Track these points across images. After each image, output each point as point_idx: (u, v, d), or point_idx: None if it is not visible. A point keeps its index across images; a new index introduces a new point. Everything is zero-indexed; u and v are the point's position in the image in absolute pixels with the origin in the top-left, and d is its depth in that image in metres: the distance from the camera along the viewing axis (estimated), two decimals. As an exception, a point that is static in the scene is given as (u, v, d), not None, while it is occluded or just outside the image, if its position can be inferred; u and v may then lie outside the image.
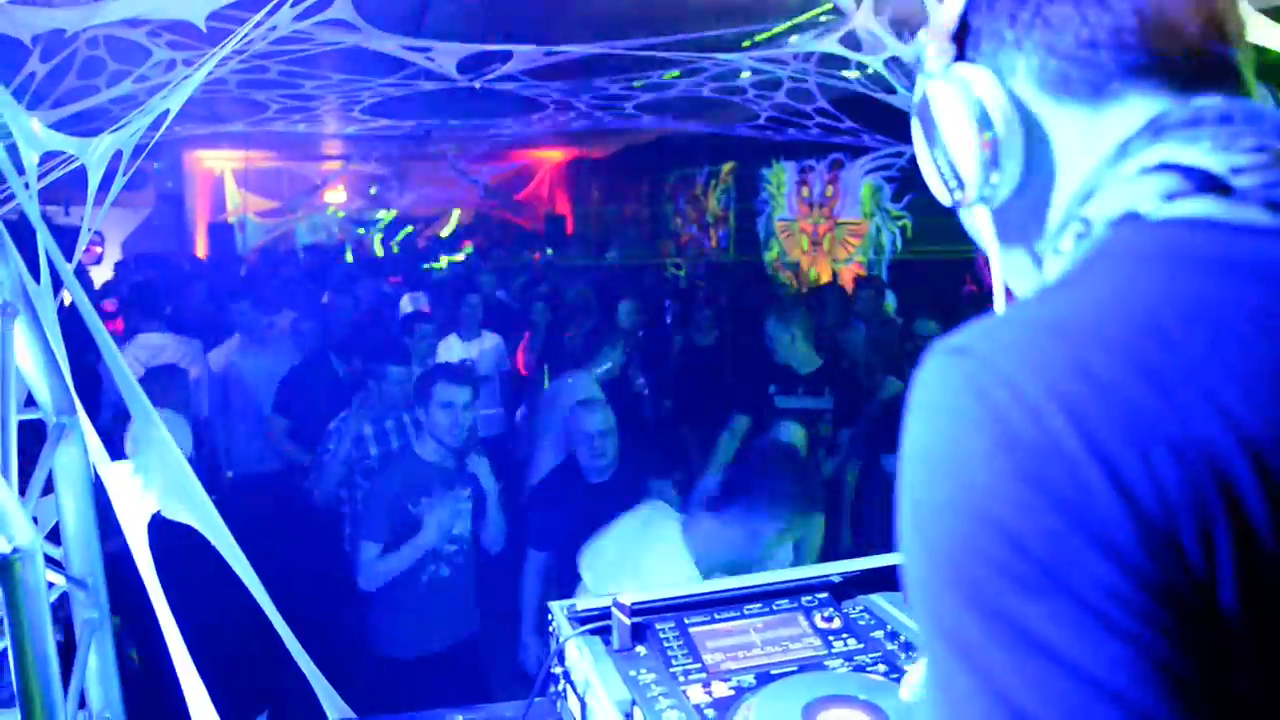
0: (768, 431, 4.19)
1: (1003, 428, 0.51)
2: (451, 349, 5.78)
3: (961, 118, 0.73)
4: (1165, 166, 0.63)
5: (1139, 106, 0.68)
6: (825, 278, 8.81)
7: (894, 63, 4.03)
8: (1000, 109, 0.72)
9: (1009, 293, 0.81)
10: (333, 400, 4.52)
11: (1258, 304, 0.54)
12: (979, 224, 0.78)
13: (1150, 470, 0.48)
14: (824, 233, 9.02)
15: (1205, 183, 0.61)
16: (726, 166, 11.08)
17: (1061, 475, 0.49)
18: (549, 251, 13.26)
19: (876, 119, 6.36)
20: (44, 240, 1.30)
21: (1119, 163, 0.66)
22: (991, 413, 0.52)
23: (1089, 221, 0.66)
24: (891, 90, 4.29)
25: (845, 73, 4.84)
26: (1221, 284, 0.55)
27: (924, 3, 3.06)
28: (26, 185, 1.43)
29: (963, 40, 0.77)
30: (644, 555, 2.57)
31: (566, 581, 3.31)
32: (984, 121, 0.72)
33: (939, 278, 7.04)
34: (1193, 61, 0.69)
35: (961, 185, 0.76)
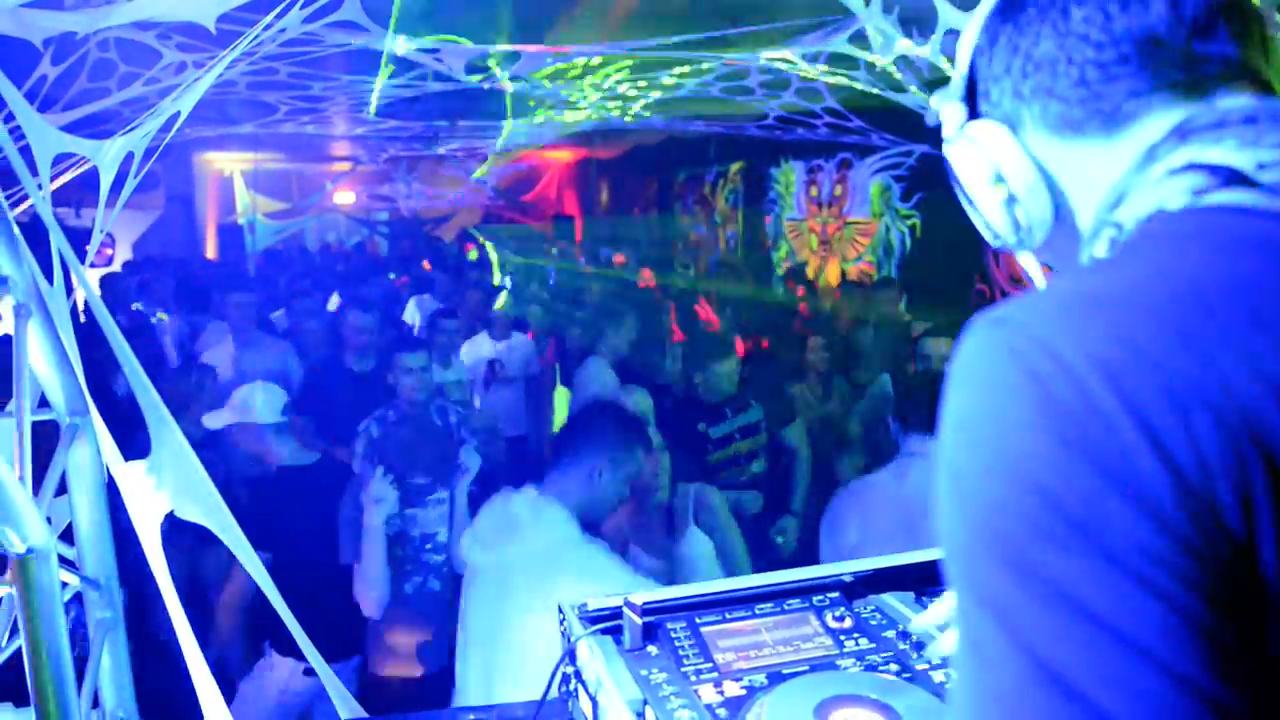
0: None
1: (1043, 393, 0.53)
2: (480, 347, 5.81)
3: (980, 176, 0.77)
4: (1192, 166, 0.64)
5: (1156, 121, 0.70)
6: (834, 277, 8.80)
7: (903, 62, 4.03)
8: (1014, 162, 0.75)
9: None
10: (354, 399, 4.52)
11: None
12: (1024, 265, 0.83)
13: (1189, 433, 0.49)
14: (833, 232, 9.01)
15: (1231, 178, 0.62)
16: (735, 166, 11.07)
17: (1101, 438, 0.50)
18: (554, 252, 13.27)
19: (885, 118, 6.35)
20: (57, 241, 1.31)
21: (1146, 167, 0.68)
22: (1032, 379, 0.53)
23: (1120, 225, 0.68)
24: (901, 89, 4.27)
25: (855, 83, 4.83)
26: (1256, 259, 0.56)
27: (934, 1, 3.06)
28: (40, 187, 1.44)
29: (974, 98, 0.80)
30: (514, 519, 2.48)
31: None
32: (999, 178, 0.75)
33: (949, 277, 7.02)
34: (1193, 70, 0.70)
35: (998, 236, 0.80)
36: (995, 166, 0.75)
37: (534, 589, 2.29)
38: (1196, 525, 0.48)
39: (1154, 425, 0.49)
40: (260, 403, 3.58)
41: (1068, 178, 0.75)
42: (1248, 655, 0.48)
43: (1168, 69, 0.69)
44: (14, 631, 1.35)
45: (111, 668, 1.58)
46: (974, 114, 0.80)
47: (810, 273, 9.13)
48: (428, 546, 3.43)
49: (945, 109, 0.81)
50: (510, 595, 2.39)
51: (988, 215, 0.79)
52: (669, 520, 3.27)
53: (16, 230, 1.18)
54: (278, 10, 2.77)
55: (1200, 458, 0.48)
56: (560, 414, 5.39)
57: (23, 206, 1.51)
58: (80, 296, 1.43)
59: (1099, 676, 0.47)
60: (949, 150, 0.81)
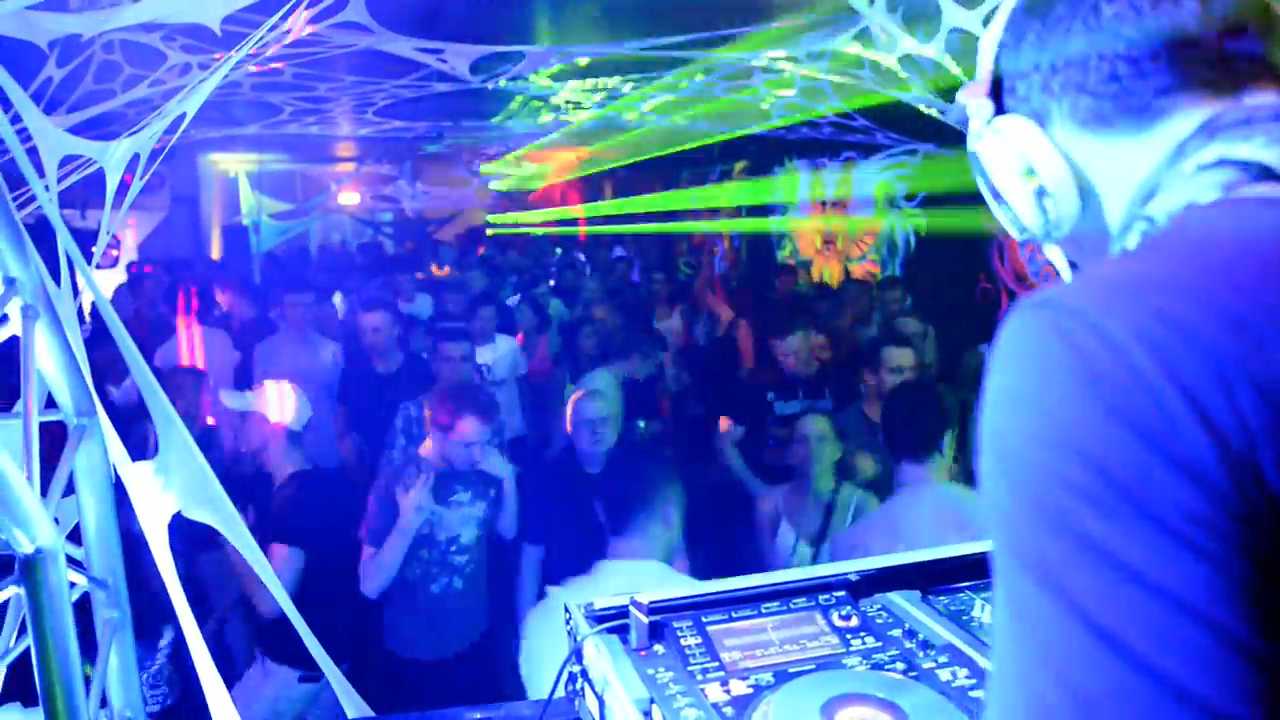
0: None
1: (1089, 367, 0.54)
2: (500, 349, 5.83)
3: (1009, 170, 0.78)
4: (1223, 162, 0.65)
5: (1185, 117, 0.71)
6: (838, 276, 8.80)
7: (907, 60, 4.02)
8: (1043, 156, 0.76)
9: None
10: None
11: None
12: (1051, 257, 0.84)
13: (1232, 402, 0.51)
14: (836, 231, 9.00)
15: (1262, 173, 0.64)
16: (739, 165, 11.06)
17: (1146, 407, 0.52)
18: (558, 251, 13.27)
19: (889, 117, 6.35)
20: (64, 242, 1.31)
21: (1177, 162, 0.69)
22: (1077, 354, 0.55)
23: (1153, 219, 0.69)
24: (905, 88, 4.27)
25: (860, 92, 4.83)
26: None
27: (938, 1, 3.06)
28: (46, 188, 1.44)
29: (1000, 93, 0.80)
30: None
31: (565, 573, 3.33)
32: (1030, 170, 0.76)
33: (953, 276, 7.02)
34: (1223, 69, 0.71)
35: (1025, 229, 0.81)
36: (1025, 159, 0.77)
37: None
38: (1239, 489, 0.50)
39: (1198, 395, 0.51)
40: (289, 406, 3.56)
41: (1096, 172, 0.76)
42: None
43: (1198, 66, 0.70)
44: (21, 632, 1.35)
45: (119, 668, 1.58)
46: (999, 109, 0.81)
47: (814, 272, 9.13)
48: (453, 549, 3.45)
49: (971, 104, 0.82)
50: None
51: (1017, 208, 0.80)
52: (828, 513, 3.32)
53: (24, 231, 1.18)
54: (283, 11, 2.77)
55: (1243, 425, 0.50)
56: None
57: (30, 208, 1.51)
58: (87, 300, 1.43)
59: (1146, 633, 0.49)
60: (976, 144, 0.82)
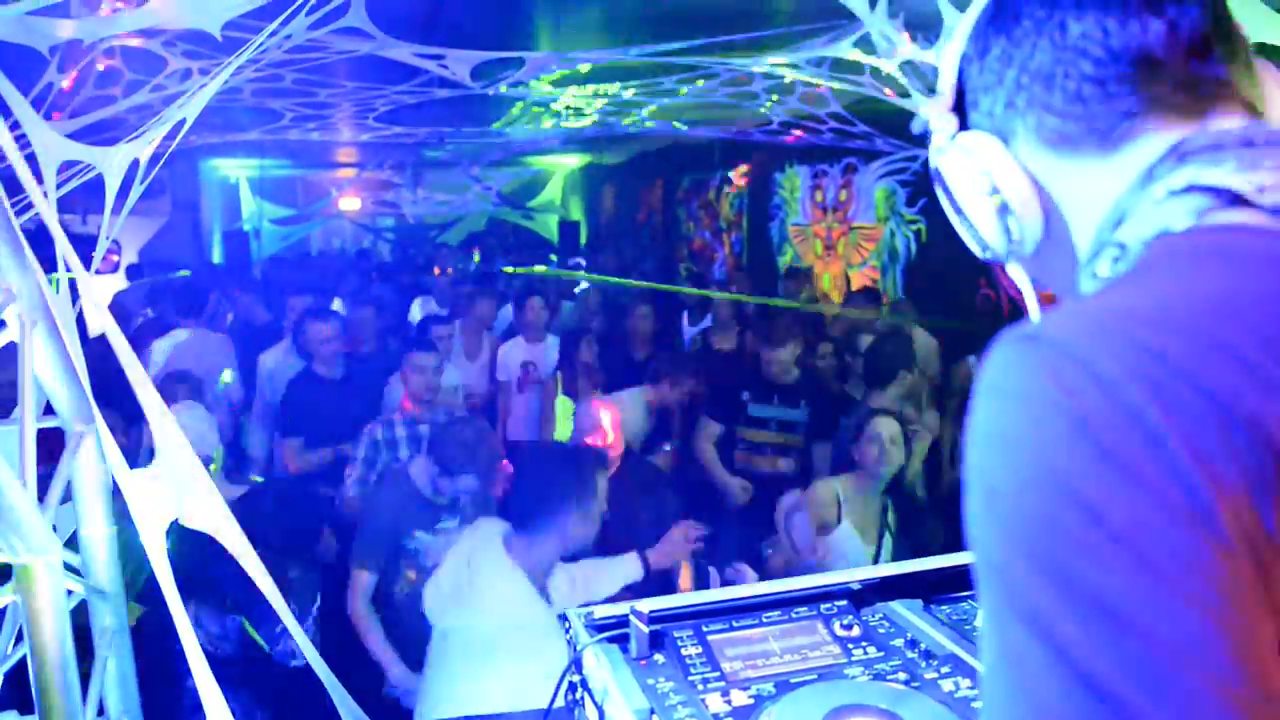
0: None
1: (1081, 407, 0.53)
2: (516, 350, 5.88)
3: (972, 187, 0.77)
4: (1193, 188, 0.64)
5: (1151, 141, 0.70)
6: (838, 283, 8.79)
7: (908, 66, 4.02)
8: (1007, 174, 0.75)
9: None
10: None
11: None
12: (1013, 276, 0.82)
13: (1229, 443, 0.50)
14: (838, 237, 9.00)
15: (1233, 200, 0.63)
16: (739, 171, 11.07)
17: (1141, 450, 0.51)
18: (552, 258, 13.27)
19: (890, 123, 6.35)
20: (62, 249, 1.30)
21: (1146, 187, 0.68)
22: (1069, 394, 0.54)
23: (1124, 245, 0.68)
24: (905, 94, 4.27)
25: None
26: (1272, 276, 0.57)
27: (939, 6, 3.06)
28: (45, 194, 1.44)
29: (963, 108, 0.79)
30: (476, 579, 2.63)
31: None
32: (993, 189, 0.75)
33: (955, 282, 7.01)
34: (1189, 91, 0.70)
35: (988, 247, 0.80)
36: (989, 177, 0.75)
37: (488, 664, 2.52)
38: (1237, 535, 0.49)
39: (1195, 437, 0.50)
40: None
41: (1061, 191, 0.75)
42: None
43: (1165, 90, 0.69)
44: (19, 639, 1.35)
45: (117, 674, 1.57)
46: (964, 124, 0.80)
47: (815, 278, 9.12)
48: None
49: (934, 118, 0.81)
50: (470, 659, 2.59)
51: (979, 226, 0.79)
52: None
53: (22, 238, 1.18)
54: (283, 16, 2.77)
55: (1242, 468, 0.49)
56: (563, 425, 5.37)
57: (29, 214, 1.50)
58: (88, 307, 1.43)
59: (1141, 685, 0.48)
60: (938, 160, 0.81)
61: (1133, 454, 0.51)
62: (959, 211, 0.81)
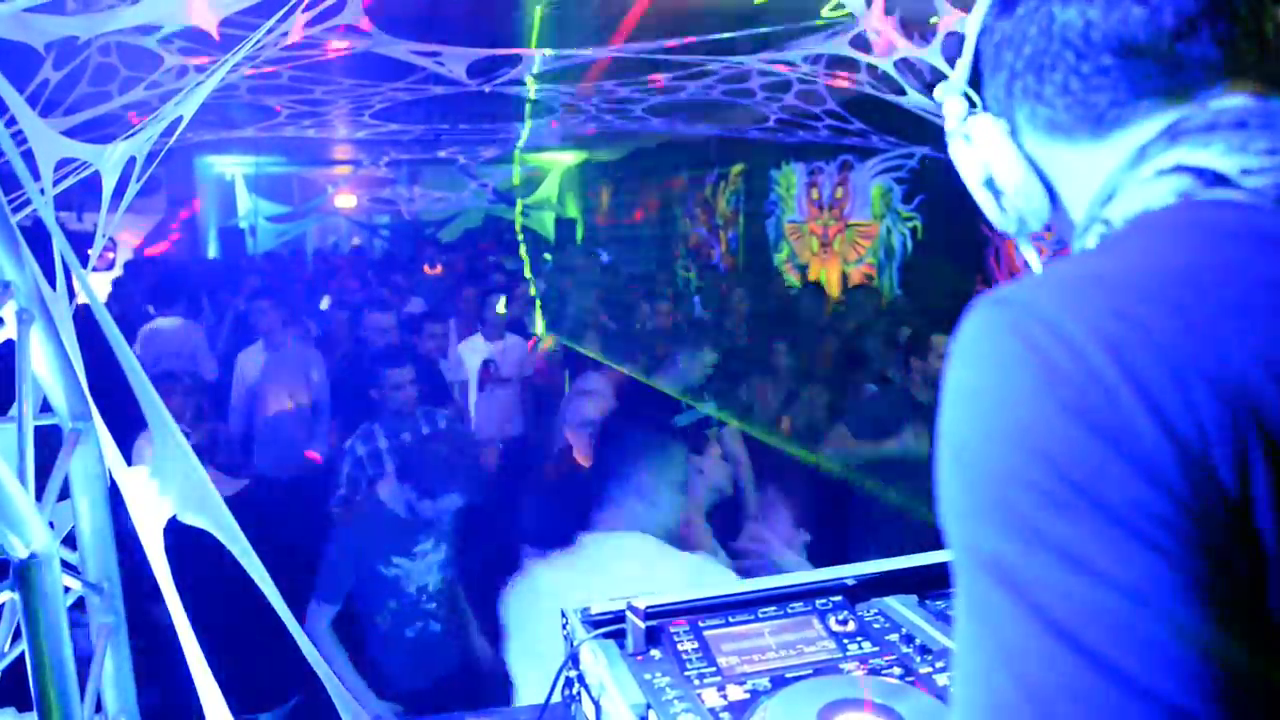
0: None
1: (1045, 364, 0.55)
2: (476, 349, 5.79)
3: (974, 175, 0.80)
4: (1180, 168, 0.65)
5: (1145, 124, 0.71)
6: (835, 279, 8.80)
7: (904, 64, 4.03)
8: (1003, 162, 0.77)
9: None
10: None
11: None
12: (1025, 254, 0.85)
13: (1187, 401, 0.51)
14: (834, 234, 9.01)
15: (1216, 182, 0.63)
16: (735, 169, 11.07)
17: (1103, 405, 0.52)
18: (547, 257, 13.26)
19: (886, 121, 6.36)
20: (59, 244, 1.30)
21: (1137, 166, 0.69)
22: (1034, 352, 0.55)
23: (1110, 221, 0.69)
24: (901, 92, 4.28)
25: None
26: (1247, 249, 0.59)
27: (935, 3, 3.07)
28: (42, 191, 1.44)
29: (980, 88, 0.81)
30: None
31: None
32: (989, 177, 0.78)
33: (950, 279, 7.02)
34: (1175, 74, 0.70)
35: (994, 225, 0.84)
36: (986, 166, 0.78)
37: None
38: (1194, 488, 0.50)
39: (1154, 394, 0.51)
40: None
41: (1059, 175, 0.77)
42: (1247, 609, 0.50)
43: (1148, 76, 0.70)
44: (16, 637, 1.35)
45: (114, 672, 1.58)
46: (983, 103, 0.83)
47: (811, 275, 9.14)
48: (424, 598, 3.35)
49: (947, 102, 0.83)
50: None
51: (984, 208, 0.82)
52: None
53: (19, 234, 1.18)
54: (280, 14, 2.77)
55: (1199, 425, 0.51)
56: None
57: (25, 211, 1.51)
58: (81, 300, 1.43)
59: (1104, 630, 0.50)
60: (950, 142, 0.84)
61: (1093, 408, 0.52)
62: (971, 191, 0.85)
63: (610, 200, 15.49)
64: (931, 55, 3.48)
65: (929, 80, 4.28)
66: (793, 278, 9.65)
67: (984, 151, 0.79)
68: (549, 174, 16.94)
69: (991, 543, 0.54)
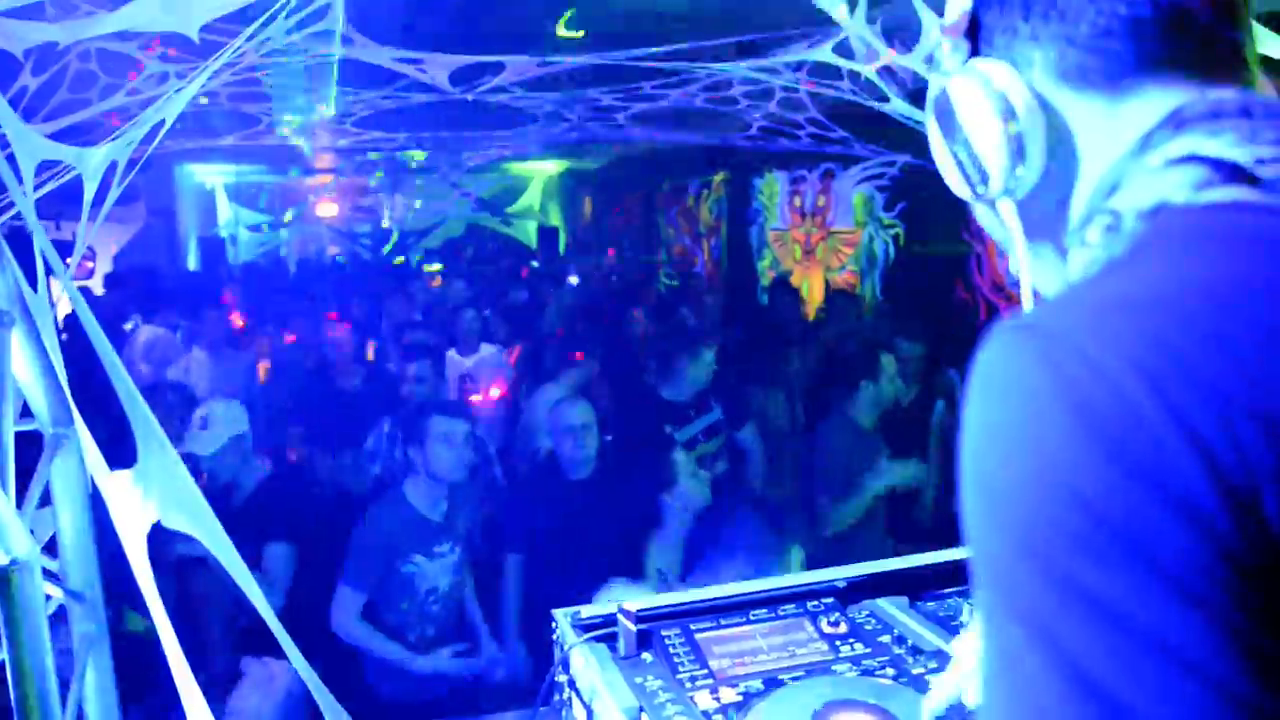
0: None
1: (1080, 400, 0.51)
2: (453, 364, 5.75)
3: (984, 111, 0.74)
4: (1192, 158, 0.63)
5: (1157, 98, 0.69)
6: (818, 287, 8.83)
7: (886, 72, 4.04)
8: (1023, 100, 0.73)
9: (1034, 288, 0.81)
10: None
11: None
12: (1004, 216, 0.78)
13: (1234, 439, 0.48)
14: (816, 242, 9.04)
15: (1233, 174, 0.61)
16: (718, 177, 11.10)
17: (1143, 445, 0.49)
18: (534, 265, 13.25)
19: (868, 128, 6.38)
20: (41, 243, 1.29)
21: (1143, 155, 0.67)
22: (1067, 386, 0.52)
23: (1118, 213, 0.66)
24: (884, 99, 4.29)
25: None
26: (1273, 261, 0.56)
27: (916, 12, 3.08)
28: (24, 194, 1.42)
29: (975, 37, 0.78)
30: None
31: (546, 582, 3.30)
32: (1008, 113, 0.73)
33: (932, 286, 7.06)
34: (1207, 51, 0.70)
35: (985, 179, 0.77)
36: (1004, 100, 0.73)
37: None
38: (1241, 534, 0.47)
39: (1199, 431, 0.48)
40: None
41: (1069, 125, 0.73)
42: None
43: (1189, 43, 0.69)
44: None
45: (95, 682, 1.55)
46: (975, 52, 0.78)
47: (794, 282, 9.16)
48: (430, 599, 3.41)
49: (945, 42, 0.79)
50: None
51: (983, 152, 0.76)
52: None
53: (0, 238, 1.16)
54: (263, 19, 2.76)
55: (1246, 464, 0.47)
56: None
57: (6, 216, 1.48)
58: (64, 307, 1.41)
59: (1142, 689, 0.47)
60: (947, 82, 0.78)
61: (1132, 449, 0.49)
62: (957, 138, 0.78)
63: (593, 209, 15.50)
64: (914, 62, 3.49)
65: (911, 88, 4.30)
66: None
67: (1002, 86, 0.73)
68: (531, 183, 16.93)
69: (1026, 592, 0.51)
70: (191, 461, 3.48)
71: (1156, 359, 0.51)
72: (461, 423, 3.50)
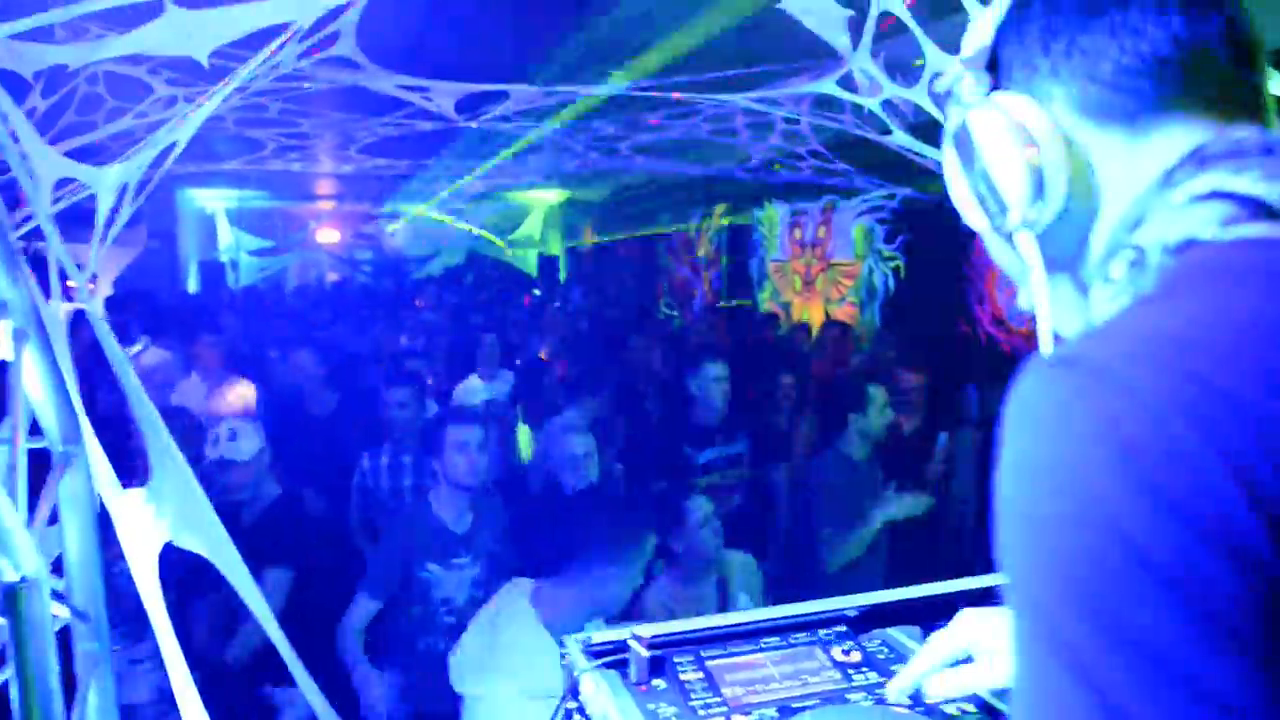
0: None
1: (1123, 437, 0.50)
2: (472, 390, 5.77)
3: (1006, 142, 0.74)
4: (1217, 194, 0.64)
5: (1178, 135, 0.70)
6: (817, 318, 8.85)
7: (888, 105, 4.08)
8: (1045, 133, 0.73)
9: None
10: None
11: None
12: (1022, 249, 0.77)
13: (1277, 471, 0.47)
14: (816, 273, 9.08)
15: (1259, 210, 0.62)
16: (719, 208, 11.16)
17: (1190, 484, 0.48)
18: (536, 293, 13.29)
19: (868, 161, 6.43)
20: (57, 252, 1.29)
21: (1165, 191, 0.67)
22: (1109, 421, 0.51)
23: (1142, 249, 0.67)
24: (887, 131, 4.33)
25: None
26: None
27: (919, 45, 3.11)
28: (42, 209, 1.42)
29: (994, 71, 0.78)
30: (502, 638, 2.58)
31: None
32: (1030, 145, 0.73)
33: (932, 319, 7.08)
34: (1227, 90, 0.71)
35: (1004, 211, 0.76)
36: (1026, 132, 0.73)
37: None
38: None
39: (1242, 465, 0.47)
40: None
41: (1089, 160, 0.73)
42: None
43: (1209, 82, 0.70)
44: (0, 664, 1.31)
45: (98, 703, 1.54)
46: (995, 86, 0.78)
47: (794, 314, 9.19)
48: (444, 609, 3.41)
49: (965, 75, 0.78)
50: None
51: (1003, 184, 0.75)
52: (721, 592, 3.28)
53: (18, 253, 1.16)
54: (276, 44, 2.78)
55: None
56: (525, 451, 5.35)
57: (23, 230, 1.49)
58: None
59: None
60: (968, 114, 0.77)
61: (1176, 484, 0.48)
62: (976, 170, 0.78)
63: (593, 238, 15.56)
64: (917, 95, 3.52)
65: (912, 121, 4.34)
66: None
67: (1024, 119, 0.73)
68: (532, 212, 17.01)
69: (1067, 633, 0.51)
70: (214, 474, 3.50)
71: (1199, 393, 0.50)
72: (476, 429, 3.53)
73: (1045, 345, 0.76)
